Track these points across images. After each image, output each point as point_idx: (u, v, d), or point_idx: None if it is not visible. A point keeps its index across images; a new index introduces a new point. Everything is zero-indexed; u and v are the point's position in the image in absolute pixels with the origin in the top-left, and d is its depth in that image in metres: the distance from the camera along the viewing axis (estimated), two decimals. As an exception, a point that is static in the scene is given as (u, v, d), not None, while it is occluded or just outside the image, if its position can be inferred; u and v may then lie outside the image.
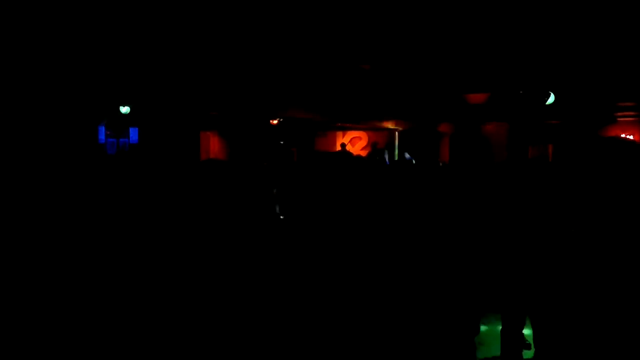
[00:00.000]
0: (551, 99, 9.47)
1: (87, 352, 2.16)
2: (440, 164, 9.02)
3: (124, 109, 10.51)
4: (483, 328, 3.86)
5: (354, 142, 15.84)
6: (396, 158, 10.01)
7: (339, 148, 14.66)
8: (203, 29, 6.92)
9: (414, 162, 5.48)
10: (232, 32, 7.07)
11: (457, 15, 6.36)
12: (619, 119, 12.92)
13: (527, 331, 3.62)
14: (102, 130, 12.00)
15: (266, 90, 10.23)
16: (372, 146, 12.88)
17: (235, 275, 2.16)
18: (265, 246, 2.29)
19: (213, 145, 14.25)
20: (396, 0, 5.94)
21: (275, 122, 13.36)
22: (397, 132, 15.27)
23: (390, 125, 14.55)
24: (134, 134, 12.21)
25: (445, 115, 12.77)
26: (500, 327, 3.55)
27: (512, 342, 3.39)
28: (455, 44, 7.46)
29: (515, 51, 7.64)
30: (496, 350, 3.65)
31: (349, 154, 3.75)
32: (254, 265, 2.19)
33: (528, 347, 3.55)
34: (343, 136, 16.02)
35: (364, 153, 13.33)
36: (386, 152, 9.38)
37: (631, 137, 13.09)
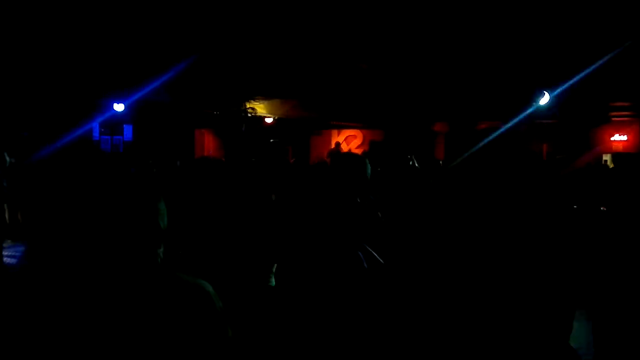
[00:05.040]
0: (546, 98, 9.49)
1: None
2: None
3: (119, 107, 10.43)
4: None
5: (349, 141, 15.82)
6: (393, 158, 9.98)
7: (333, 146, 14.65)
8: (198, 28, 6.88)
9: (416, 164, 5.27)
10: (228, 31, 7.04)
11: (453, 15, 6.36)
12: (613, 119, 12.97)
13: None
14: (96, 127, 11.94)
15: (261, 88, 10.21)
16: (371, 145, 12.79)
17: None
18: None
19: (208, 143, 14.20)
20: (396, 1, 5.94)
21: (270, 120, 13.32)
22: (392, 131, 15.25)
23: (386, 124, 14.52)
24: (128, 131, 12.15)
25: (441, 114, 12.77)
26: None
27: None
28: (451, 43, 7.46)
29: (511, 50, 7.65)
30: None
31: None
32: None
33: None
34: (338, 134, 16.00)
35: (359, 151, 13.31)
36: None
37: (625, 137, 13.17)
